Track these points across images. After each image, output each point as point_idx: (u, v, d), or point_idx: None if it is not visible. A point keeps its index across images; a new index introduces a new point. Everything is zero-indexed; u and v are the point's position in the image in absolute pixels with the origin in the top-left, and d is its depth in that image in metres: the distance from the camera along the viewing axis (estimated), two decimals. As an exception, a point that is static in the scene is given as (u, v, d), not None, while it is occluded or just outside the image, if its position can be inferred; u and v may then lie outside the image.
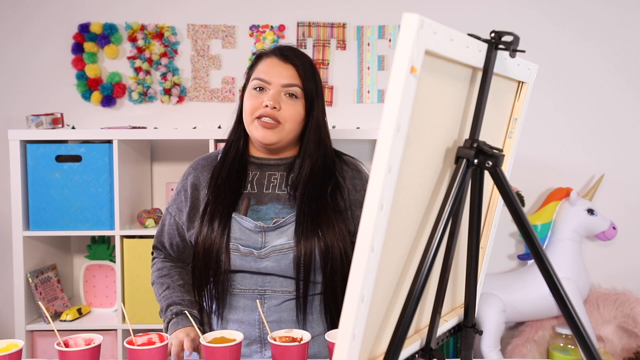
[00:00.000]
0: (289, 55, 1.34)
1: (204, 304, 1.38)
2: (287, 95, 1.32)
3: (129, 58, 2.50)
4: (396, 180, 0.66)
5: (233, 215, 1.32)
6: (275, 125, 1.31)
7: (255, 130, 1.33)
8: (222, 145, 1.46)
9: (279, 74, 1.32)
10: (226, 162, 1.38)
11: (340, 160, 1.43)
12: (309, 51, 2.52)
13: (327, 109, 2.53)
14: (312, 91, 1.35)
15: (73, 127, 2.43)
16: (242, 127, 1.39)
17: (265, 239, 1.31)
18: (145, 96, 2.51)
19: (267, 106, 1.30)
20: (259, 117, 1.31)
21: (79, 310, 2.29)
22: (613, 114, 2.58)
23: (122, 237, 2.22)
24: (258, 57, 1.38)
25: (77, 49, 2.48)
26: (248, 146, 1.41)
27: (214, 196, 1.34)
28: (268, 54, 1.36)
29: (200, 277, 1.35)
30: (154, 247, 1.50)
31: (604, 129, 2.59)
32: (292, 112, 1.32)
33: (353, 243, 1.36)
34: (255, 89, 1.33)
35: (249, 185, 1.37)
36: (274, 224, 1.32)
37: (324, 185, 1.35)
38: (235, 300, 1.35)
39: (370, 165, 0.66)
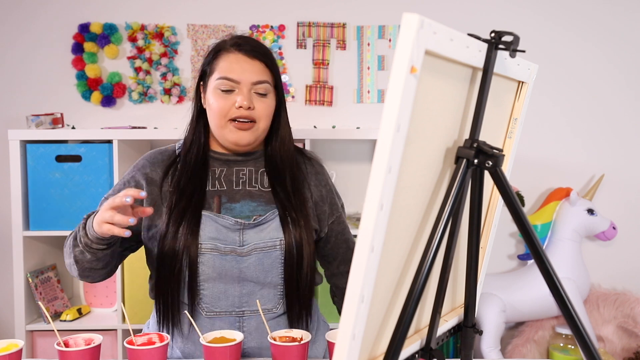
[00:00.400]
0: (252, 49, 1.27)
1: (163, 320, 1.25)
2: (256, 93, 1.27)
3: (129, 58, 2.50)
4: (396, 180, 0.66)
5: (206, 213, 1.25)
6: (250, 126, 1.27)
7: (229, 133, 1.27)
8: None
9: (246, 71, 1.25)
10: (187, 160, 1.30)
11: (302, 155, 1.40)
12: (309, 51, 2.53)
13: (327, 109, 2.55)
14: (281, 84, 1.32)
15: (73, 127, 2.43)
16: (202, 125, 1.33)
17: (243, 238, 1.25)
18: (145, 96, 2.51)
19: (240, 107, 1.24)
20: (232, 119, 1.26)
21: (79, 310, 2.29)
22: (613, 113, 2.58)
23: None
24: (216, 52, 1.29)
25: (77, 49, 2.48)
26: (209, 142, 1.35)
27: (179, 195, 1.25)
28: (228, 49, 1.28)
29: (166, 284, 1.23)
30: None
31: (604, 129, 2.59)
32: (265, 110, 1.28)
33: (316, 242, 1.34)
34: (223, 90, 1.26)
35: (217, 182, 1.30)
36: (253, 220, 1.26)
37: (298, 180, 1.33)
38: (208, 323, 1.25)
39: (371, 165, 0.66)
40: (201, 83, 1.33)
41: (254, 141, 1.30)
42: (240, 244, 1.25)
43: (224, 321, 1.26)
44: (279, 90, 1.32)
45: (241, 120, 1.25)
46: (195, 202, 1.24)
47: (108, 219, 1.09)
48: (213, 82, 1.27)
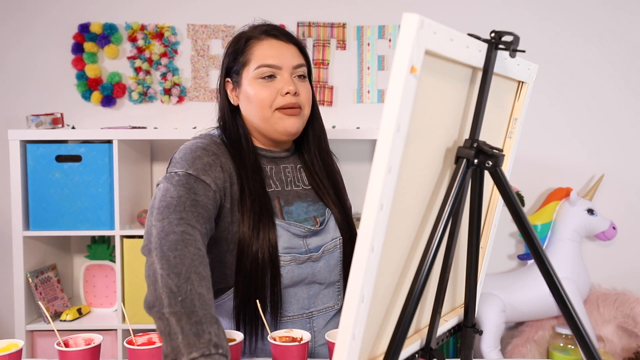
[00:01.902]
0: (284, 33, 1.22)
1: (246, 325, 1.18)
2: (297, 77, 1.21)
3: (129, 58, 2.50)
4: (396, 180, 0.66)
5: (277, 222, 1.18)
6: (299, 112, 1.20)
7: (279, 122, 1.19)
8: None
9: (285, 55, 1.19)
10: (243, 157, 1.19)
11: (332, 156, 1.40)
12: (309, 51, 2.52)
13: (327, 109, 2.55)
14: (311, 70, 1.28)
15: (73, 127, 2.43)
16: (241, 121, 1.25)
17: (307, 242, 1.22)
18: (145, 96, 2.51)
19: (288, 93, 1.17)
20: (279, 108, 1.19)
21: (79, 310, 2.29)
22: (613, 114, 2.58)
23: (122, 237, 2.22)
24: (246, 42, 1.21)
25: (77, 49, 2.48)
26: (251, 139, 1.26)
27: (250, 198, 1.15)
28: (259, 37, 1.21)
29: (249, 293, 1.16)
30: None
31: (604, 129, 2.59)
32: (308, 94, 1.22)
33: None
34: (264, 77, 1.19)
35: (271, 182, 1.23)
36: (319, 225, 1.24)
37: (334, 172, 1.31)
38: (281, 327, 1.22)
39: (371, 165, 0.66)
40: (227, 80, 1.26)
41: (301, 129, 1.22)
42: (307, 249, 1.22)
43: (296, 324, 1.23)
44: (311, 77, 1.27)
45: (290, 106, 1.18)
46: (267, 208, 1.16)
47: None
48: (250, 73, 1.20)
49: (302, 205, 1.25)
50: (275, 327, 1.23)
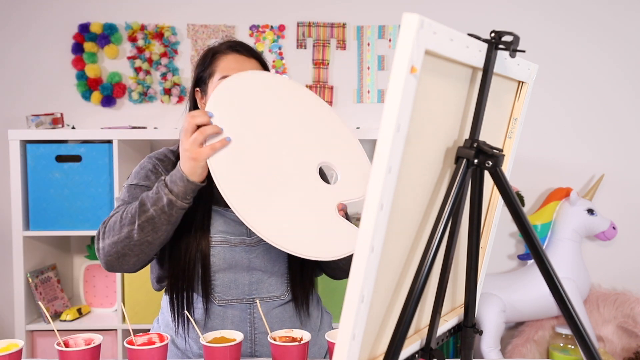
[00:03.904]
0: (247, 49, 1.37)
1: (178, 314, 1.29)
2: None
3: (129, 58, 2.50)
4: (396, 180, 0.66)
5: (215, 207, 1.31)
6: None
7: None
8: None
9: (244, 68, 1.32)
10: None
11: None
12: (309, 51, 2.53)
13: (327, 109, 2.55)
14: None
15: (73, 127, 2.43)
16: None
17: (249, 230, 1.31)
18: (145, 96, 2.51)
19: None
20: None
21: (79, 310, 2.29)
22: (613, 113, 2.59)
23: (122, 237, 2.22)
24: (213, 56, 1.36)
25: (77, 49, 2.48)
26: None
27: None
28: (225, 52, 1.35)
29: (180, 278, 1.27)
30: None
31: (604, 128, 2.59)
32: None
33: None
34: None
35: None
36: None
37: None
38: (220, 311, 1.30)
39: (371, 165, 0.66)
40: (196, 90, 1.39)
41: None
42: (248, 235, 1.31)
43: (236, 308, 1.30)
44: None
45: None
46: (205, 198, 1.28)
47: (200, 139, 1.12)
48: (214, 82, 1.33)
49: None
50: (213, 310, 1.29)
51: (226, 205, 1.27)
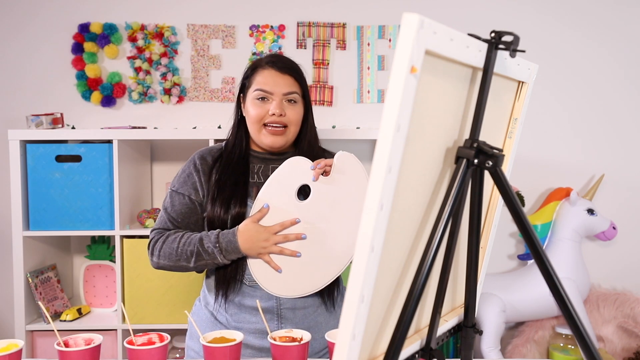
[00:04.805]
0: (284, 65, 1.50)
1: (218, 289, 1.46)
2: (287, 101, 1.48)
3: (129, 58, 2.50)
4: (396, 180, 0.66)
5: (248, 202, 1.45)
6: (283, 131, 1.47)
7: (264, 137, 1.47)
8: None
9: (278, 84, 1.46)
10: (230, 158, 1.51)
11: (325, 153, 1.60)
12: (309, 51, 2.53)
13: (327, 109, 2.55)
14: (308, 95, 1.54)
15: (73, 127, 2.43)
16: (243, 130, 1.54)
17: None
18: (145, 96, 2.51)
19: (273, 114, 1.45)
20: (265, 125, 1.47)
21: (79, 310, 2.29)
22: (613, 113, 2.58)
23: (122, 237, 2.22)
24: (254, 69, 1.51)
25: (77, 49, 2.48)
26: (249, 143, 1.55)
27: (221, 187, 1.46)
28: (263, 66, 1.49)
29: (223, 267, 1.45)
30: (156, 230, 1.49)
31: (604, 128, 2.59)
32: (295, 116, 1.49)
33: None
34: (258, 99, 1.47)
35: (255, 175, 1.51)
36: None
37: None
38: (250, 290, 1.44)
39: (371, 165, 0.66)
40: (241, 95, 1.54)
41: (285, 143, 1.50)
42: None
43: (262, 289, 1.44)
44: (307, 100, 1.54)
45: (274, 125, 1.46)
46: (240, 191, 1.45)
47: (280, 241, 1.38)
48: (251, 93, 1.48)
49: None
50: (242, 290, 1.45)
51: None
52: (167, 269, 1.46)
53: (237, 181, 1.46)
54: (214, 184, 1.47)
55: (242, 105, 1.54)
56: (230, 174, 1.48)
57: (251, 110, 1.47)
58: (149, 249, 1.47)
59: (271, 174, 1.46)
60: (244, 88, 1.53)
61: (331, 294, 1.48)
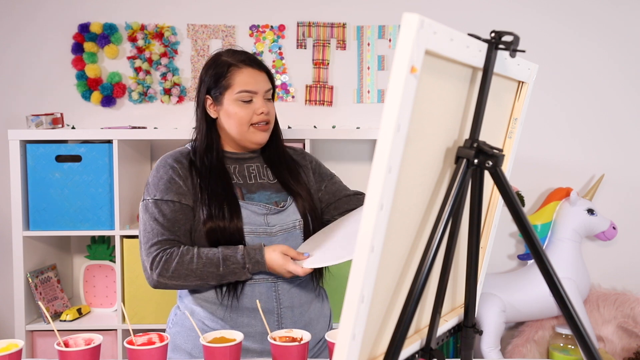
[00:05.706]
0: (259, 63, 1.52)
1: (218, 293, 1.46)
2: (266, 99, 1.51)
3: (129, 58, 2.50)
4: (396, 180, 0.66)
5: (240, 202, 1.45)
6: (267, 127, 1.51)
7: (253, 135, 1.49)
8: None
9: (259, 83, 1.48)
10: (207, 162, 1.49)
11: (287, 148, 1.64)
12: (309, 51, 2.53)
13: (327, 109, 2.56)
14: (275, 89, 1.58)
15: (73, 127, 2.43)
16: (214, 131, 1.52)
17: (267, 221, 1.47)
18: (145, 96, 2.51)
19: (262, 113, 1.48)
20: (253, 124, 1.48)
21: (79, 310, 2.29)
22: (613, 113, 2.58)
23: (122, 237, 2.22)
24: (228, 68, 1.48)
25: (77, 49, 2.48)
26: (221, 145, 1.55)
27: (211, 191, 1.44)
28: (239, 66, 1.48)
29: None
30: (159, 244, 1.40)
31: (604, 128, 2.59)
32: (273, 112, 1.54)
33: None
34: (244, 101, 1.47)
35: (234, 177, 1.52)
36: (280, 206, 1.50)
37: (294, 168, 1.59)
38: (250, 288, 1.44)
39: (371, 165, 0.66)
40: (207, 96, 1.50)
41: (268, 139, 1.53)
42: (267, 225, 1.46)
43: (262, 286, 1.44)
44: (274, 96, 1.58)
45: (262, 123, 1.49)
46: (230, 194, 1.45)
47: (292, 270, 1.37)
48: (232, 95, 1.47)
49: (265, 193, 1.52)
50: (243, 288, 1.44)
51: (243, 200, 1.50)
52: (171, 287, 1.40)
53: (225, 186, 1.45)
54: (199, 190, 1.44)
55: (208, 107, 1.50)
56: (216, 179, 1.46)
57: (238, 112, 1.46)
58: (150, 265, 1.38)
59: (247, 173, 1.52)
60: (214, 89, 1.48)
61: (319, 274, 1.53)
